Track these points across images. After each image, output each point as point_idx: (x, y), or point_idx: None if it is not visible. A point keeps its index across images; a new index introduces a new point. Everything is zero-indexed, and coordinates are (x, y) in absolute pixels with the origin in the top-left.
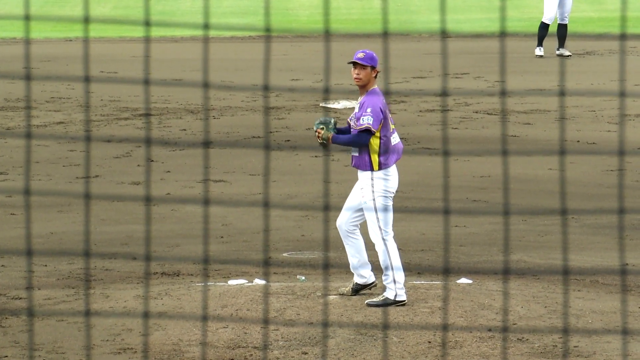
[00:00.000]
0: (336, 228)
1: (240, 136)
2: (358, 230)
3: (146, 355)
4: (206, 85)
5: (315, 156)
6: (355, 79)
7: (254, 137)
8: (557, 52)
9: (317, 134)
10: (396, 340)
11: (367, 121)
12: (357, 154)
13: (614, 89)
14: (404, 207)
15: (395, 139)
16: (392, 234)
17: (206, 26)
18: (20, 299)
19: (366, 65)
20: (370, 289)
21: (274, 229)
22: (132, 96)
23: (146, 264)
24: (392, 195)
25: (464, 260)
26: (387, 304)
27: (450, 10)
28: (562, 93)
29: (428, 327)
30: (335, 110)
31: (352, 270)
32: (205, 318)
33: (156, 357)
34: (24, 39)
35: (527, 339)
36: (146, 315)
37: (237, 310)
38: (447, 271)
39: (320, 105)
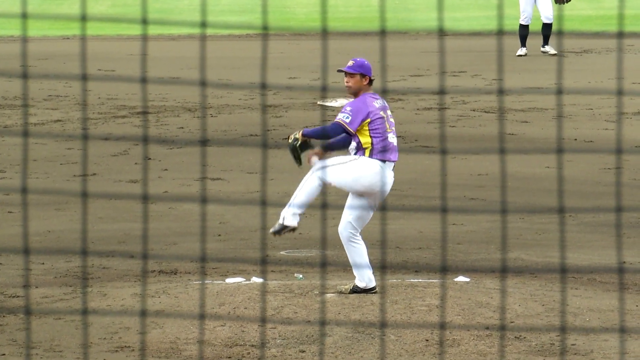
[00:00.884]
0: (335, 227)
1: (237, 134)
2: (359, 235)
3: (143, 354)
4: (203, 83)
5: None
6: (346, 86)
7: (251, 135)
8: (542, 50)
9: (288, 139)
10: (393, 338)
11: (341, 117)
12: (353, 153)
13: (611, 87)
14: (401, 205)
15: (392, 139)
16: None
17: (203, 24)
18: (18, 297)
19: (355, 73)
20: (369, 293)
21: (271, 227)
22: (130, 94)
23: (143, 262)
24: (371, 191)
25: (462, 259)
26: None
27: (448, 8)
28: (559, 91)
29: (425, 326)
30: (333, 109)
31: (354, 273)
32: (202, 316)
33: (154, 355)
34: (22, 36)
35: (525, 337)
36: (143, 313)
37: (234, 308)
38: (445, 269)
39: (318, 103)
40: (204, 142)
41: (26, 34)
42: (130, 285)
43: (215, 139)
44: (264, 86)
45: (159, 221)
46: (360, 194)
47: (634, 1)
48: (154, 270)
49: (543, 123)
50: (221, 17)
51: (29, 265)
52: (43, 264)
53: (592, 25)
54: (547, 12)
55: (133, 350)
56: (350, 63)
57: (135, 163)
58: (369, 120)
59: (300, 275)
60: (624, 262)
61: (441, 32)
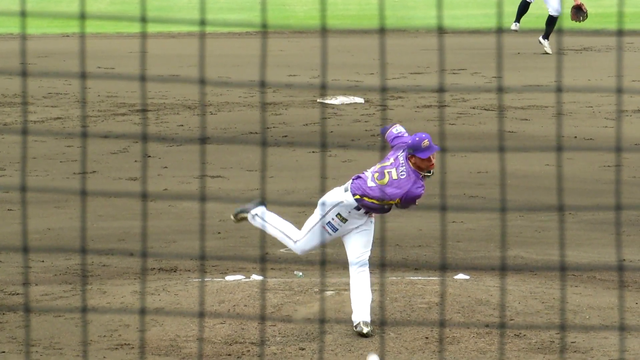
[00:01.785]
0: None
1: (237, 132)
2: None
3: (143, 351)
4: (203, 81)
5: (313, 152)
6: (431, 166)
7: (251, 133)
8: (540, 40)
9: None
10: (393, 336)
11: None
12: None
13: (611, 85)
14: None
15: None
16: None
17: (203, 22)
18: (18, 294)
19: None
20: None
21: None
22: (129, 92)
23: (143, 260)
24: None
25: (461, 256)
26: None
27: (447, 6)
28: (559, 89)
29: (425, 323)
30: (332, 106)
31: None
32: (202, 314)
33: (153, 352)
34: (21, 34)
35: (525, 335)
36: (143, 311)
37: (234, 306)
38: (444, 267)
39: (318, 101)
40: (203, 140)
41: (25, 31)
42: (129, 282)
43: (214, 137)
44: (263, 84)
45: (158, 219)
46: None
47: None
48: (154, 268)
49: (543, 121)
50: (220, 14)
51: (29, 263)
52: (43, 261)
53: (592, 23)
54: (554, 4)
55: (133, 347)
56: (427, 143)
57: (135, 161)
58: None
59: (300, 273)
60: (624, 259)
61: (441, 30)
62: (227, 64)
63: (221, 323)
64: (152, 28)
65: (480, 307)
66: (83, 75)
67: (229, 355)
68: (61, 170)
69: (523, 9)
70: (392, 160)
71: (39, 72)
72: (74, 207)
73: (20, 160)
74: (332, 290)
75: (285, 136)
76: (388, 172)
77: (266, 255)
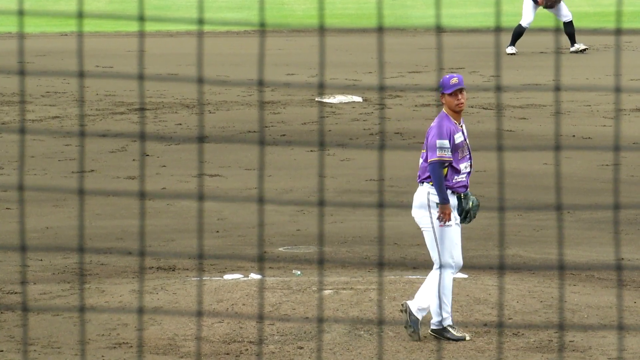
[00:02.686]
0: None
1: (235, 131)
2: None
3: (141, 350)
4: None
5: (311, 150)
6: (459, 105)
7: (249, 131)
8: (572, 49)
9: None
10: (392, 335)
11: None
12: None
13: (609, 83)
14: (399, 201)
15: None
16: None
17: (201, 21)
18: (16, 293)
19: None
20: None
21: (269, 223)
22: (128, 91)
23: (141, 259)
24: None
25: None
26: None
27: (445, 5)
28: (557, 88)
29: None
30: (330, 105)
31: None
32: (200, 313)
33: (152, 351)
34: (19, 33)
35: (523, 334)
36: (141, 310)
37: (232, 304)
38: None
39: (316, 100)
40: (201, 139)
41: (23, 30)
42: (128, 281)
43: (213, 136)
44: (261, 83)
45: (156, 218)
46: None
47: None
48: (152, 267)
49: (541, 120)
50: (219, 13)
51: (27, 262)
52: (41, 260)
53: (590, 22)
54: (564, 11)
55: (131, 346)
56: (456, 80)
57: (133, 160)
58: None
59: (299, 272)
60: (622, 258)
61: (439, 29)
62: (226, 62)
63: (219, 322)
64: (150, 27)
65: (479, 306)
66: (81, 74)
67: (227, 354)
68: (59, 169)
69: (518, 34)
70: None
71: (37, 70)
72: (72, 206)
73: (19, 159)
74: (330, 289)
75: (284, 135)
76: None
77: (264, 254)
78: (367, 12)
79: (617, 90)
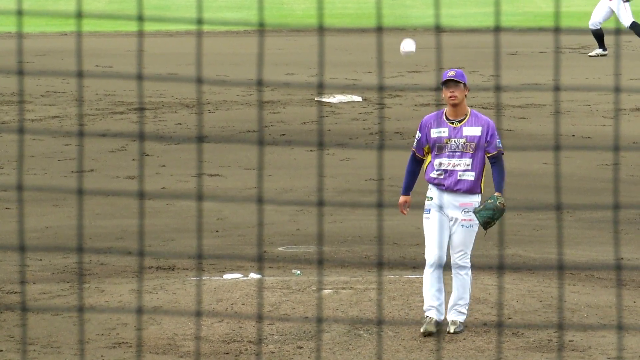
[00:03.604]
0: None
1: (235, 130)
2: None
3: (141, 350)
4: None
5: (310, 150)
6: (451, 97)
7: (249, 131)
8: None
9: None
10: (391, 334)
11: (500, 145)
12: (472, 178)
13: (609, 83)
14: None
15: None
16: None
17: (200, 21)
18: (15, 293)
19: (460, 82)
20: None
21: (269, 223)
22: (127, 90)
23: (141, 259)
24: None
25: None
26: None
27: (445, 5)
28: (557, 87)
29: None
30: (330, 105)
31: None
32: (200, 312)
33: (151, 351)
34: (18, 33)
35: (522, 333)
36: (141, 309)
37: (232, 304)
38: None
39: (316, 99)
40: (201, 139)
41: (23, 30)
42: (127, 281)
43: (212, 135)
44: (261, 82)
45: (156, 217)
46: None
47: None
48: (152, 267)
49: (541, 119)
50: (218, 13)
51: (26, 262)
52: (40, 260)
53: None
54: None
55: (131, 346)
56: (452, 73)
57: (133, 159)
58: None
59: (298, 272)
60: (622, 258)
61: (438, 29)
62: (225, 62)
63: (219, 321)
64: (150, 27)
65: (479, 306)
66: (81, 74)
67: (226, 353)
68: (59, 168)
69: (601, 36)
70: None
71: (36, 70)
72: (72, 206)
73: (18, 158)
74: (329, 289)
75: (283, 134)
76: None
77: (264, 253)
78: (366, 11)
79: (617, 90)
